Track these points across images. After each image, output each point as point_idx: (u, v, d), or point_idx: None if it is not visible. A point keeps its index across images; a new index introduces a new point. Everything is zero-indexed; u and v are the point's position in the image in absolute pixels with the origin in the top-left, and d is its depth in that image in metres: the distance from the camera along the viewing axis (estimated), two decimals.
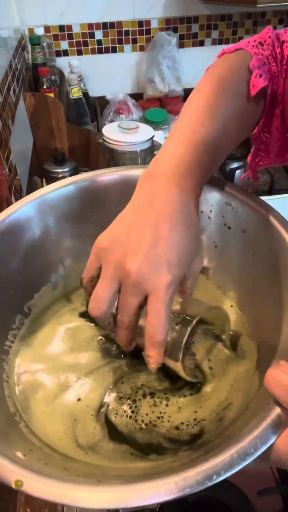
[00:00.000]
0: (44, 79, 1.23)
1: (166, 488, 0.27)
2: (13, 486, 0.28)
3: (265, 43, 0.45)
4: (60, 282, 0.53)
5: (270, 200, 0.43)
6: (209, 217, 0.48)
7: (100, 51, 1.51)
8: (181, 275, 0.36)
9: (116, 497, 0.28)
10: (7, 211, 0.47)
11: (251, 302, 0.46)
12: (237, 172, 1.34)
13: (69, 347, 0.47)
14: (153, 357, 0.35)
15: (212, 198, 0.47)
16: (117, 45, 1.51)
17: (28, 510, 0.60)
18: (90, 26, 1.45)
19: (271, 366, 0.31)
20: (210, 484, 0.27)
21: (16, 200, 0.90)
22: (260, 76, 0.41)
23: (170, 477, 0.28)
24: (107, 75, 1.56)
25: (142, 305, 0.35)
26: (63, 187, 0.49)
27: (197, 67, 1.61)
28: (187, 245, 0.36)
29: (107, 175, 0.50)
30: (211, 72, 0.44)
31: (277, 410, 0.29)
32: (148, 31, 1.50)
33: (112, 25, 1.47)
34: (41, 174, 1.25)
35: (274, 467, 0.56)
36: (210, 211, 0.48)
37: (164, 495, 0.27)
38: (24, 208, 0.47)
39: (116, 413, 0.41)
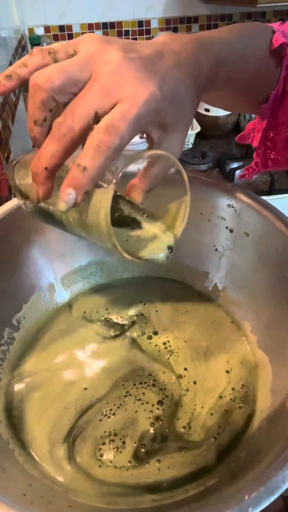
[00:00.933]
0: None
1: None
2: None
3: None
4: (51, 289, 0.50)
5: (270, 200, 0.43)
6: (209, 220, 0.47)
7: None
8: (162, 119, 0.29)
9: None
10: None
11: (257, 307, 0.44)
12: (237, 172, 1.34)
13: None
14: (78, 179, 0.25)
15: (213, 200, 0.46)
16: None
17: None
18: (90, 26, 1.45)
19: None
20: None
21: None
22: (284, 36, 0.39)
23: None
24: None
25: (93, 122, 0.26)
26: None
27: None
28: (186, 97, 0.30)
29: None
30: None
31: None
32: (148, 31, 1.50)
33: (112, 25, 1.46)
34: None
35: None
36: (211, 213, 0.46)
37: None
38: (11, 212, 0.45)
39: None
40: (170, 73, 0.29)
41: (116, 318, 0.50)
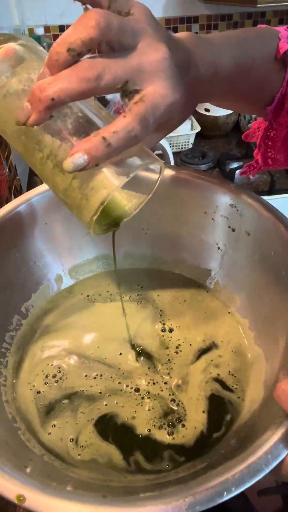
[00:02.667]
0: None
1: (175, 505, 0.26)
2: (16, 501, 0.27)
3: None
4: (58, 280, 0.53)
5: (270, 200, 0.44)
6: (212, 219, 0.48)
7: (99, 51, 1.51)
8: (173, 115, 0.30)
9: None
10: (5, 209, 0.46)
11: (254, 305, 0.46)
12: (237, 172, 1.34)
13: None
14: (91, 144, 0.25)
15: (217, 199, 0.47)
16: None
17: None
18: None
19: (280, 379, 0.31)
20: (220, 501, 0.26)
21: None
22: None
23: (180, 493, 0.27)
24: None
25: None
26: None
27: None
28: (188, 111, 0.34)
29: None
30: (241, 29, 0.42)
31: None
32: None
33: None
34: None
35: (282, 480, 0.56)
36: (214, 212, 0.48)
37: None
38: (22, 206, 0.47)
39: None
40: (188, 87, 0.31)
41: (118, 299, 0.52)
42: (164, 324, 0.49)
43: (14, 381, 0.45)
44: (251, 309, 0.47)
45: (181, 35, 0.34)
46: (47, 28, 1.42)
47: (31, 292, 0.50)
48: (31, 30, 1.40)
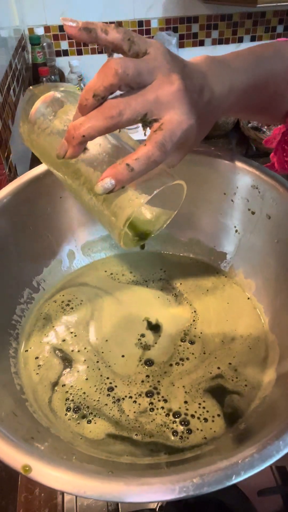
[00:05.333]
0: (44, 79, 1.23)
1: (182, 485, 0.26)
2: (21, 471, 0.27)
3: None
4: (71, 256, 0.53)
5: None
6: (232, 200, 0.47)
7: (100, 51, 1.51)
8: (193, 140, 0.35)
9: (128, 491, 0.26)
10: (12, 185, 0.45)
11: (271, 291, 0.45)
12: None
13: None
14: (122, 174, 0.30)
15: (238, 180, 0.46)
16: None
17: (28, 510, 0.60)
18: None
19: None
20: (228, 484, 0.26)
21: None
22: None
23: (188, 473, 0.26)
24: None
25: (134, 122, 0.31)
26: None
27: None
28: (203, 133, 0.37)
29: None
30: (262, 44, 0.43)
31: None
32: (148, 31, 1.50)
33: None
34: None
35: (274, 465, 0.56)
36: (234, 193, 0.47)
37: (178, 493, 0.26)
38: (37, 177, 0.47)
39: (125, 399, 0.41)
40: (203, 109, 0.35)
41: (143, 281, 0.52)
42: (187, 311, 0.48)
43: (23, 352, 0.45)
44: (266, 294, 0.46)
45: (196, 59, 0.37)
46: (47, 28, 1.43)
47: (43, 266, 0.50)
48: (31, 30, 1.40)
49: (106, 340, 0.45)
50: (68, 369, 0.43)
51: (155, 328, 0.46)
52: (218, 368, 0.43)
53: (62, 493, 0.58)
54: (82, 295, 0.51)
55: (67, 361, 0.44)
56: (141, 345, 0.45)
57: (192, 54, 1.69)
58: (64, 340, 0.46)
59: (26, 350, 0.45)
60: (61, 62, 1.49)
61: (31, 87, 0.39)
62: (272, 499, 0.57)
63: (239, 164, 0.45)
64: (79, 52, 1.50)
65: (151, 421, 0.40)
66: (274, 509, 0.57)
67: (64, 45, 1.48)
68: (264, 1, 1.23)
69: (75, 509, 0.58)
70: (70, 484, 0.27)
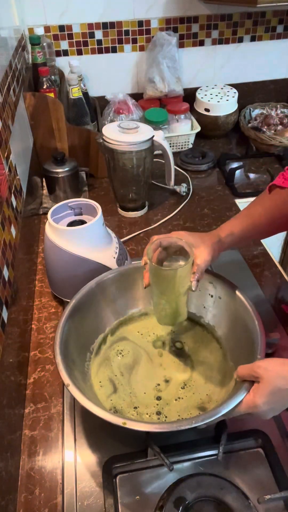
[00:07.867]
0: (44, 79, 1.23)
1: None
2: (121, 424, 0.53)
3: None
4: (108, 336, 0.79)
5: None
6: (199, 290, 0.77)
7: (100, 51, 1.51)
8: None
9: None
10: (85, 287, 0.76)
11: (228, 336, 0.76)
12: (237, 172, 1.34)
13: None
14: None
15: (205, 279, 0.76)
16: (117, 45, 1.51)
17: (28, 510, 0.60)
18: (90, 26, 1.45)
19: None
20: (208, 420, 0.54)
21: (16, 199, 0.90)
22: None
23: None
24: (107, 75, 1.56)
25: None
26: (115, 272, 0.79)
27: (197, 67, 1.61)
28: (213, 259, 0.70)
29: (135, 265, 0.80)
30: (264, 201, 0.73)
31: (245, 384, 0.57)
32: (148, 31, 1.50)
33: (112, 25, 1.47)
34: (41, 174, 1.25)
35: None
36: (202, 285, 0.78)
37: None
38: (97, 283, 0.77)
39: None
40: (216, 246, 0.68)
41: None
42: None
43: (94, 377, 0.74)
44: (225, 338, 0.77)
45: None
46: (47, 28, 1.43)
47: (94, 338, 0.78)
48: (31, 30, 1.40)
49: (137, 382, 0.72)
50: (114, 393, 0.70)
51: (167, 381, 0.73)
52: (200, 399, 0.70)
53: (62, 493, 0.59)
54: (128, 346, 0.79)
55: (114, 387, 0.71)
56: (157, 388, 0.71)
57: (192, 54, 1.69)
58: (116, 375, 0.73)
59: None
60: (61, 62, 1.49)
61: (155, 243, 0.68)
62: (273, 500, 0.58)
63: (207, 273, 0.75)
64: (79, 52, 1.50)
65: None
66: (274, 509, 0.57)
67: (64, 45, 1.48)
68: (264, 1, 1.23)
69: (75, 509, 0.58)
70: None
